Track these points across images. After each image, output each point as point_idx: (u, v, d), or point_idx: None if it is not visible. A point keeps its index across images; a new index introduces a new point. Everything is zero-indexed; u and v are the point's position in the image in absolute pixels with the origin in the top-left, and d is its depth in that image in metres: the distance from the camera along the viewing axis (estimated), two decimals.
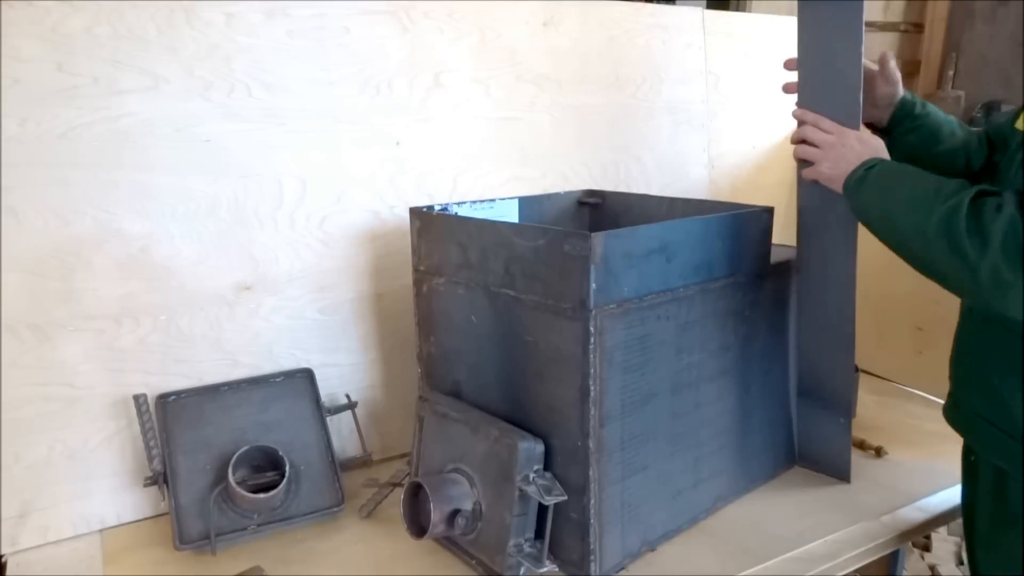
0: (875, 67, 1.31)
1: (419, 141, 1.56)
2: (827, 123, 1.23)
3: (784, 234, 2.18)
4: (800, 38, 1.29)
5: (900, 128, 1.31)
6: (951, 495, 1.42)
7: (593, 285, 1.05)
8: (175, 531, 1.24)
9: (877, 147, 1.19)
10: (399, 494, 1.28)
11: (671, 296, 1.18)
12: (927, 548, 2.59)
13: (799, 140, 1.27)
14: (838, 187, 1.18)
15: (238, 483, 1.26)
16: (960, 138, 1.28)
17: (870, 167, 1.13)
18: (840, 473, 1.45)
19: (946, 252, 0.94)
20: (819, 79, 1.27)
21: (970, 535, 1.20)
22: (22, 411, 1.24)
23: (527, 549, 1.13)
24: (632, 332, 1.13)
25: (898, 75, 1.30)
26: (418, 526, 1.18)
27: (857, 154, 1.17)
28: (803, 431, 1.48)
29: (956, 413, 1.19)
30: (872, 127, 1.35)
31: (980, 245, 0.90)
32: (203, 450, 1.32)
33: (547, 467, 1.15)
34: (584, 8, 1.76)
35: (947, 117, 1.31)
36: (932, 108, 1.31)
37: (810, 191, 1.32)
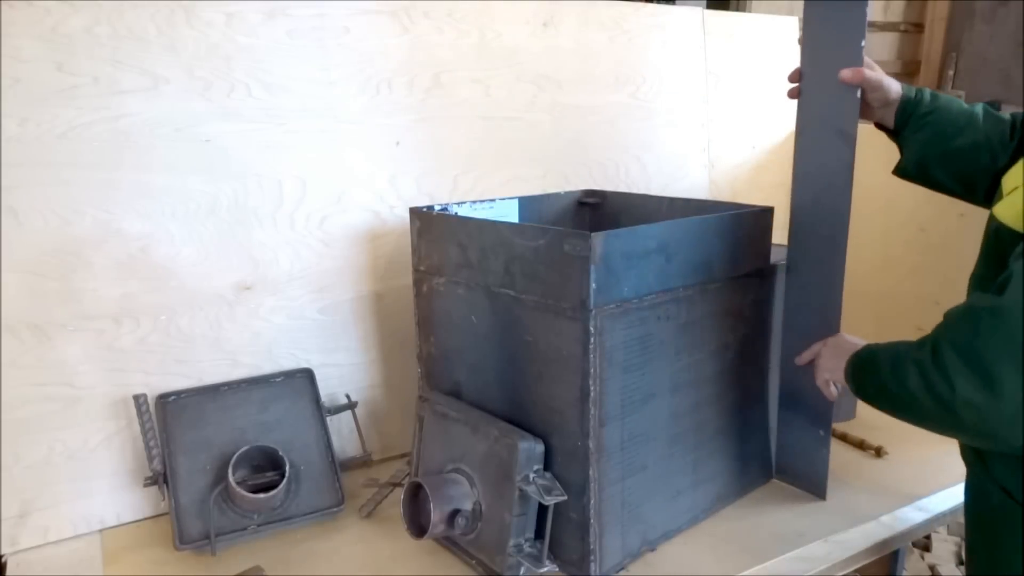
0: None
1: (419, 141, 1.56)
2: (810, 350, 1.29)
3: (784, 234, 2.17)
4: (805, 35, 1.29)
5: (908, 128, 1.27)
6: (951, 495, 1.42)
7: (593, 285, 1.05)
8: (175, 531, 1.24)
9: (854, 340, 1.20)
10: (399, 494, 1.28)
11: (671, 296, 1.18)
12: (927, 548, 2.59)
13: (805, 363, 1.32)
14: (841, 377, 1.16)
15: (238, 483, 1.26)
16: (983, 131, 1.21)
17: (853, 359, 1.12)
18: (816, 489, 1.40)
19: (931, 401, 0.92)
20: (822, 76, 1.26)
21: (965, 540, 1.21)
22: (22, 411, 1.24)
23: (527, 549, 1.13)
24: (632, 332, 1.13)
25: (877, 77, 1.24)
26: (418, 526, 1.18)
27: (842, 347, 1.18)
28: (781, 442, 1.45)
29: None
30: (884, 129, 1.32)
31: (948, 385, 0.88)
32: (203, 450, 1.32)
33: (547, 467, 1.15)
34: (584, 8, 1.76)
35: (967, 108, 1.24)
36: (945, 101, 1.25)
37: (804, 190, 1.31)
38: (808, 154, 1.31)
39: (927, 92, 1.27)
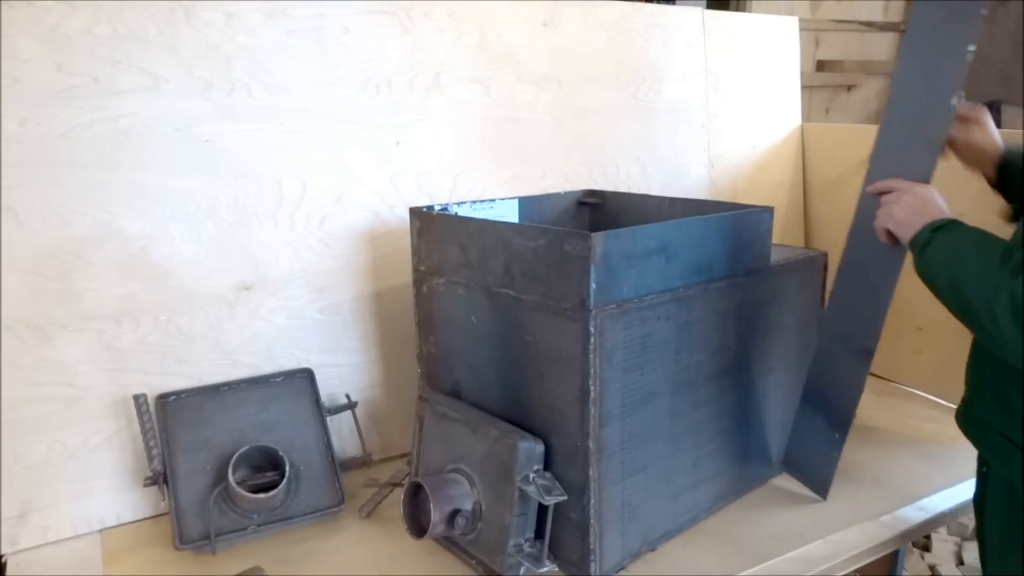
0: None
1: (419, 141, 1.56)
2: (901, 181, 1.17)
3: (784, 234, 2.18)
4: (908, 33, 1.22)
5: (1008, 189, 1.24)
6: (951, 495, 1.42)
7: (593, 285, 1.05)
8: (175, 531, 1.24)
9: (943, 206, 1.12)
10: (399, 494, 1.28)
11: (671, 296, 1.18)
12: (927, 548, 2.59)
13: (876, 192, 1.22)
14: (907, 234, 1.11)
15: (238, 483, 1.26)
16: None
17: (937, 228, 1.06)
18: (819, 488, 1.40)
19: (1013, 328, 0.91)
20: (920, 78, 1.20)
21: (982, 541, 1.19)
22: (22, 411, 1.24)
23: (527, 549, 1.13)
24: (632, 332, 1.13)
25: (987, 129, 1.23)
26: (418, 526, 1.18)
27: (928, 206, 1.10)
28: (795, 436, 1.45)
29: (970, 421, 1.18)
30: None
31: None
32: (203, 450, 1.32)
33: (547, 467, 1.15)
34: (584, 8, 1.76)
35: None
36: None
37: (870, 198, 1.24)
38: (886, 155, 1.24)
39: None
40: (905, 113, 1.23)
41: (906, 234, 1.11)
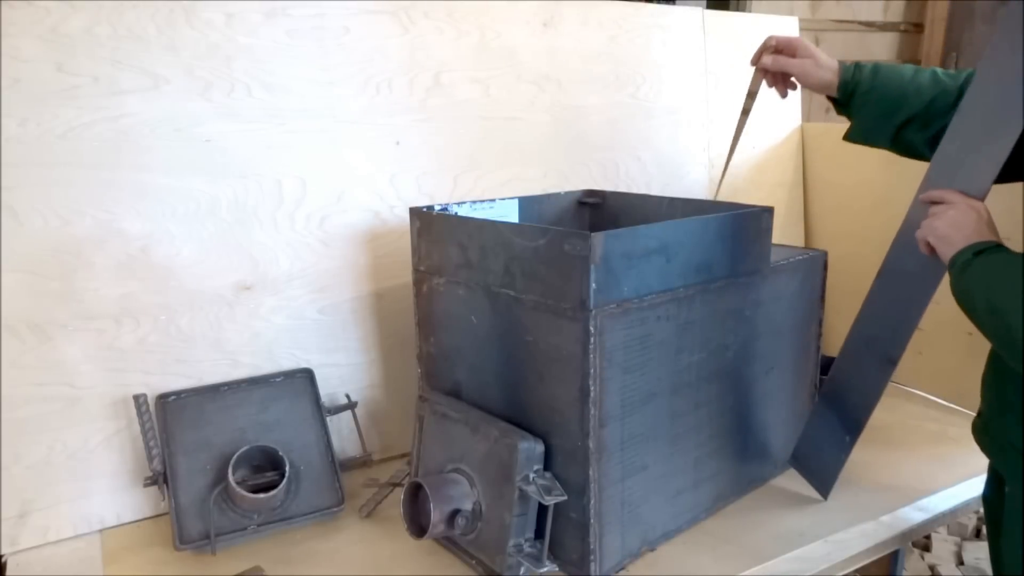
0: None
1: (419, 141, 1.56)
2: (953, 193, 1.11)
3: (784, 234, 2.18)
4: (993, 44, 1.16)
5: (852, 106, 1.27)
6: (951, 495, 1.42)
7: (593, 285, 1.05)
8: (175, 531, 1.24)
9: (990, 227, 1.06)
10: (399, 494, 1.28)
11: (671, 296, 1.18)
12: (927, 548, 2.59)
13: (928, 200, 1.15)
14: (946, 251, 1.06)
15: (238, 483, 1.26)
16: (927, 98, 1.21)
17: (979, 251, 1.01)
18: (822, 487, 1.40)
19: None
20: (998, 88, 1.12)
21: (998, 559, 1.17)
22: (22, 411, 1.24)
23: (527, 549, 1.13)
24: (632, 332, 1.13)
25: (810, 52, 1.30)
26: (418, 526, 1.18)
27: (973, 225, 1.04)
28: (807, 433, 1.45)
29: (986, 436, 1.16)
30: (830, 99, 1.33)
31: None
32: (203, 450, 1.32)
33: (547, 467, 1.15)
34: (584, 8, 1.76)
35: (910, 79, 1.22)
36: (885, 76, 1.24)
37: (921, 205, 1.19)
38: (946, 164, 1.16)
39: (867, 70, 1.26)
40: (974, 123, 1.14)
41: (946, 251, 1.05)
